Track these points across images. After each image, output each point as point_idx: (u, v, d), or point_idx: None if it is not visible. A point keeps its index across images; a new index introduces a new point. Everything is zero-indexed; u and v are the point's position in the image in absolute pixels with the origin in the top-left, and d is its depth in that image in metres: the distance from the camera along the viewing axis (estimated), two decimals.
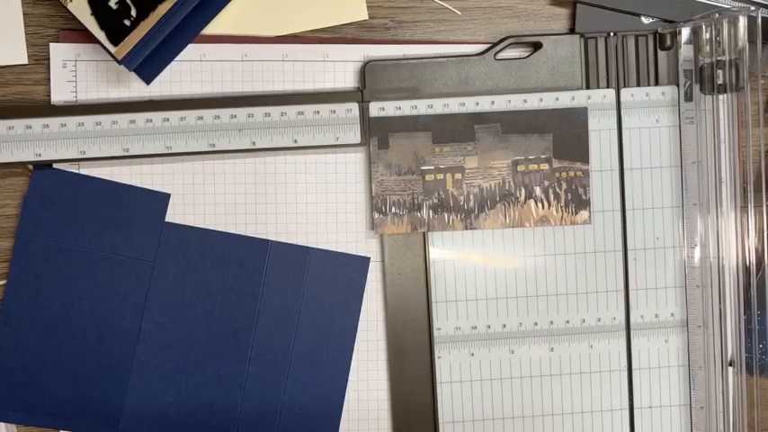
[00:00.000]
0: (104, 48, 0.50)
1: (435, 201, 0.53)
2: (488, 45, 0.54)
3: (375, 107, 0.53)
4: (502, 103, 0.54)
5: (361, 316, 0.54)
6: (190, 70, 0.54)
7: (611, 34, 0.54)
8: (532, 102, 0.54)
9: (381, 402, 0.55)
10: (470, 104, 0.53)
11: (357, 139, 0.53)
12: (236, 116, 0.53)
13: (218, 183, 0.54)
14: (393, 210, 0.53)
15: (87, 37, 0.51)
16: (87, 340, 0.53)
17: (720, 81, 0.52)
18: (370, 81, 0.53)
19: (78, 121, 0.52)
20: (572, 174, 0.53)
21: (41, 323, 0.53)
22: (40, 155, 0.52)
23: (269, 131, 0.53)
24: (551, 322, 0.55)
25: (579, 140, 0.53)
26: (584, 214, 0.53)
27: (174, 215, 0.54)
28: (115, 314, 0.53)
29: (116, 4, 0.49)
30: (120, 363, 0.54)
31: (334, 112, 0.53)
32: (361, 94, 0.53)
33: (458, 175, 0.53)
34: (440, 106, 0.53)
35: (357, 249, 0.54)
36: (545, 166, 0.53)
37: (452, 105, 0.53)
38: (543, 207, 0.53)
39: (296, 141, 0.53)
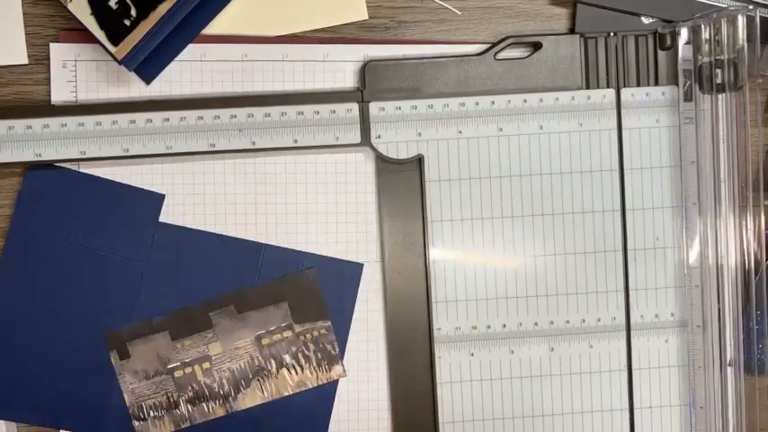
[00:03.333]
0: (104, 48, 0.50)
1: (191, 394, 0.53)
2: (488, 45, 0.54)
3: (375, 107, 0.53)
4: (502, 102, 0.54)
5: (362, 316, 0.54)
6: (190, 70, 0.54)
7: (611, 34, 0.54)
8: (532, 102, 0.54)
9: (381, 402, 0.55)
10: (470, 104, 0.53)
11: (357, 139, 0.53)
12: (236, 116, 0.53)
13: (218, 183, 0.54)
14: (152, 414, 0.53)
15: (87, 37, 0.51)
16: (79, 337, 0.53)
17: (719, 80, 0.52)
18: (370, 81, 0.53)
19: (78, 121, 0.52)
20: (316, 333, 0.54)
21: (33, 320, 0.53)
22: (39, 155, 0.52)
23: (269, 131, 0.53)
24: (551, 322, 0.55)
25: (314, 301, 0.54)
26: (338, 369, 0.54)
27: (173, 215, 0.54)
28: (107, 312, 0.53)
29: (116, 4, 0.49)
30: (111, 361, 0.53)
31: (334, 112, 0.53)
32: (361, 94, 0.53)
33: (206, 364, 0.54)
34: (440, 106, 0.53)
35: (357, 249, 0.54)
36: (288, 334, 0.54)
37: (452, 105, 0.53)
38: (297, 372, 0.54)
39: (296, 141, 0.53)
